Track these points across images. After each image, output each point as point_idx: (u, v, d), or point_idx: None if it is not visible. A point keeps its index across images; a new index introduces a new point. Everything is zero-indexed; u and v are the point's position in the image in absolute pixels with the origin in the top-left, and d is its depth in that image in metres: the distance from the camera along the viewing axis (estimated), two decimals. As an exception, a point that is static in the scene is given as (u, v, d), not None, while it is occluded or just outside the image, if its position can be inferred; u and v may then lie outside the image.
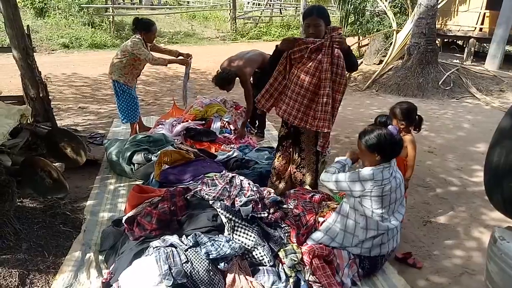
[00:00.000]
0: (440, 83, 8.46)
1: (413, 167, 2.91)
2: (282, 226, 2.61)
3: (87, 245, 2.64)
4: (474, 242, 3.00)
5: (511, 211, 1.76)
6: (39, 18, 13.06)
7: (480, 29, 11.24)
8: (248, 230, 2.42)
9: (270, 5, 20.97)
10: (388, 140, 2.28)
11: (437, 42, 10.00)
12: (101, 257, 2.54)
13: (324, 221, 2.54)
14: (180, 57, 4.59)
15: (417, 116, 2.89)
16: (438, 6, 8.92)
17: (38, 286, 2.25)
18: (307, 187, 3.18)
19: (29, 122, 3.92)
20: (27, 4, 13.01)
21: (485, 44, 12.81)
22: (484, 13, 11.10)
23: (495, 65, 9.90)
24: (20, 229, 2.61)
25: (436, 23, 9.31)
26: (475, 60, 11.17)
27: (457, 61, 10.42)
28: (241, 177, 2.95)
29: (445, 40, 13.25)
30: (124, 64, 4.24)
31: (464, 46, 12.10)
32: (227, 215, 2.45)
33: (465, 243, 2.97)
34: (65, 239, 2.69)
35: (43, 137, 3.85)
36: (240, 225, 2.44)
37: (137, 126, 4.74)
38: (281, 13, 21.38)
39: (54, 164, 3.21)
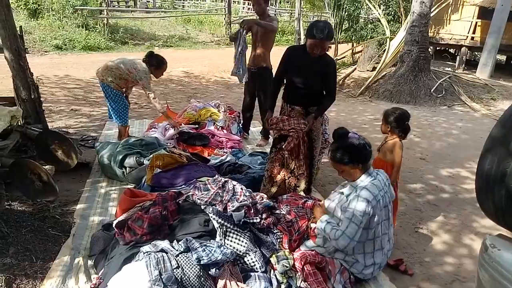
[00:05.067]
0: (432, 90, 8.55)
1: (398, 171, 2.89)
2: (274, 231, 2.59)
3: (76, 250, 2.60)
4: (465, 249, 3.01)
5: (502, 219, 1.77)
6: (32, 19, 12.97)
7: (472, 38, 11.42)
8: (240, 236, 2.40)
9: (265, 10, 21.05)
10: (357, 147, 2.29)
11: (429, 50, 10.12)
12: (90, 262, 2.50)
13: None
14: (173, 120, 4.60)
15: (406, 124, 2.89)
16: (431, 15, 9.03)
17: (25, 291, 2.20)
18: (301, 193, 3.17)
19: (19, 123, 3.87)
20: (21, 5, 12.91)
21: (476, 53, 13.01)
22: (476, 23, 11.28)
23: (486, 74, 10.04)
24: (7, 233, 2.56)
25: (429, 31, 9.43)
26: (467, 68, 11.33)
27: (449, 69, 10.54)
28: (234, 182, 2.94)
29: (438, 48, 13.41)
30: (119, 76, 4.14)
31: (456, 54, 12.28)
32: (219, 220, 2.44)
33: (456, 250, 2.99)
34: (53, 244, 2.64)
35: (33, 139, 3.80)
36: (232, 231, 2.42)
37: (128, 129, 4.67)
38: (275, 18, 21.47)
39: (44, 166, 3.16)
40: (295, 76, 3.05)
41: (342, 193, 2.41)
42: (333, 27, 12.01)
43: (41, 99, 4.31)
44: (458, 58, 11.53)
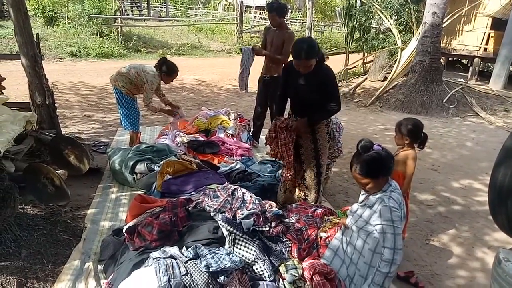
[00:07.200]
0: (444, 101, 8.48)
1: (410, 182, 2.86)
2: (283, 240, 2.59)
3: (86, 254, 2.63)
4: (477, 262, 2.96)
5: (515, 232, 1.74)
6: (48, 27, 13.26)
7: (485, 49, 11.31)
8: (249, 244, 2.40)
9: (276, 19, 21.19)
10: (384, 159, 2.24)
11: (441, 60, 10.04)
12: (100, 267, 2.52)
13: (328, 236, 2.51)
14: (168, 107, 4.74)
15: (422, 134, 2.87)
16: (443, 25, 8.99)
17: (36, 295, 2.23)
18: (312, 203, 3.16)
19: (34, 129, 3.94)
20: (37, 12, 13.22)
21: (489, 64, 12.86)
22: (489, 33, 11.18)
23: (499, 85, 9.93)
24: (20, 236, 2.60)
25: (441, 42, 9.37)
26: (480, 79, 11.21)
27: (462, 80, 10.45)
28: (244, 190, 2.94)
29: (450, 59, 13.30)
30: (130, 81, 4.21)
31: (469, 65, 12.16)
32: (228, 227, 2.44)
33: (469, 263, 2.93)
34: (64, 247, 2.68)
35: (47, 144, 3.87)
36: (241, 238, 2.42)
37: (140, 136, 4.72)
38: (287, 28, 21.58)
39: (57, 171, 3.21)
40: (295, 90, 3.11)
41: (370, 206, 2.34)
42: (344, 37, 11.90)
43: (56, 104, 4.39)
44: (470, 69, 11.41)
